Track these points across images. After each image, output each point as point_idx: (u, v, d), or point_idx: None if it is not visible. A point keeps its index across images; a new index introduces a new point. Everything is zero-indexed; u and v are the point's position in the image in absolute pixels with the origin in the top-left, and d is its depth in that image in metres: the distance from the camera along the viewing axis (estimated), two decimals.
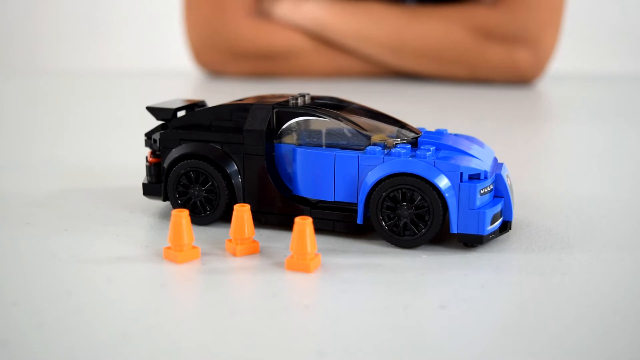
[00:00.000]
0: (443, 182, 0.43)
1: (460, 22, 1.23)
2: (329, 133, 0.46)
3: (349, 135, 0.46)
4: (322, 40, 1.26)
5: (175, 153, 0.49)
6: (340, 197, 0.45)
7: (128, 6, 1.76)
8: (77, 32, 1.77)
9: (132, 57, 1.69)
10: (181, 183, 0.49)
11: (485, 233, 0.43)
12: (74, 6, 1.77)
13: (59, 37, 1.78)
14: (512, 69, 1.24)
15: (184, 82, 1.32)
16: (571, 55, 1.45)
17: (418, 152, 0.44)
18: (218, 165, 0.48)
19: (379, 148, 0.45)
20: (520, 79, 1.25)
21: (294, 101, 0.48)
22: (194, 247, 0.43)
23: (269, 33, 1.27)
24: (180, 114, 0.51)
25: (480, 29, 1.22)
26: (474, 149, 0.46)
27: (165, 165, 0.49)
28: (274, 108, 0.47)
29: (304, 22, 1.26)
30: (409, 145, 0.45)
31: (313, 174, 0.46)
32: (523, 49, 1.22)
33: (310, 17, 1.26)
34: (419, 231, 0.43)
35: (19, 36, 1.78)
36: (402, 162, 0.43)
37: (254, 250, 0.43)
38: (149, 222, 0.49)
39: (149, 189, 0.51)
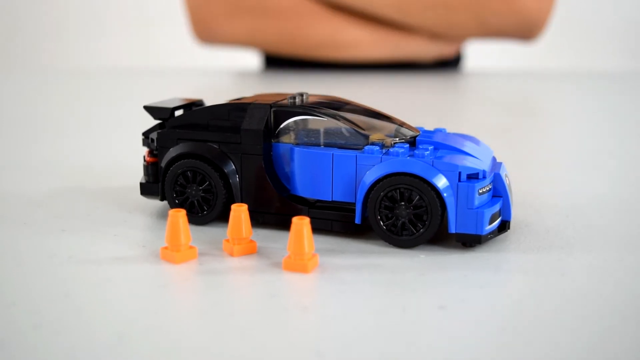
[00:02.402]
0: (441, 182, 0.42)
1: None
2: (327, 132, 0.46)
3: (347, 134, 0.46)
4: (327, 2, 1.25)
5: (172, 152, 0.49)
6: (338, 196, 0.45)
7: (127, 5, 1.76)
8: (76, 31, 1.77)
9: (131, 56, 1.69)
10: (178, 183, 0.48)
11: (484, 233, 0.43)
12: (73, 5, 1.77)
13: (58, 36, 1.78)
14: (517, 15, 1.24)
15: (183, 82, 1.31)
16: (570, 53, 1.45)
17: (416, 151, 0.44)
18: (215, 164, 0.47)
19: (377, 147, 0.44)
20: (527, 25, 1.25)
21: (291, 100, 0.48)
22: (191, 247, 0.42)
23: None
24: (178, 113, 0.51)
25: None
26: (472, 148, 0.46)
27: (163, 164, 0.49)
28: (271, 107, 0.47)
29: None
30: (407, 145, 0.45)
31: (311, 173, 0.46)
32: None
33: None
34: (417, 231, 0.43)
35: (19, 35, 1.78)
36: (400, 161, 0.43)
37: (251, 251, 0.43)
38: (147, 222, 0.49)
39: (147, 189, 0.51)
